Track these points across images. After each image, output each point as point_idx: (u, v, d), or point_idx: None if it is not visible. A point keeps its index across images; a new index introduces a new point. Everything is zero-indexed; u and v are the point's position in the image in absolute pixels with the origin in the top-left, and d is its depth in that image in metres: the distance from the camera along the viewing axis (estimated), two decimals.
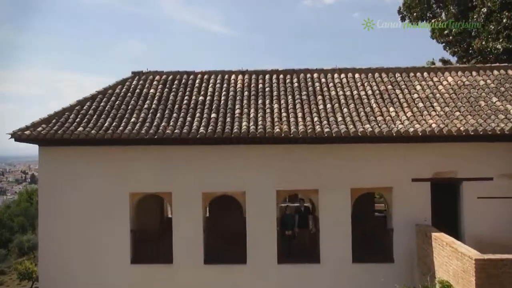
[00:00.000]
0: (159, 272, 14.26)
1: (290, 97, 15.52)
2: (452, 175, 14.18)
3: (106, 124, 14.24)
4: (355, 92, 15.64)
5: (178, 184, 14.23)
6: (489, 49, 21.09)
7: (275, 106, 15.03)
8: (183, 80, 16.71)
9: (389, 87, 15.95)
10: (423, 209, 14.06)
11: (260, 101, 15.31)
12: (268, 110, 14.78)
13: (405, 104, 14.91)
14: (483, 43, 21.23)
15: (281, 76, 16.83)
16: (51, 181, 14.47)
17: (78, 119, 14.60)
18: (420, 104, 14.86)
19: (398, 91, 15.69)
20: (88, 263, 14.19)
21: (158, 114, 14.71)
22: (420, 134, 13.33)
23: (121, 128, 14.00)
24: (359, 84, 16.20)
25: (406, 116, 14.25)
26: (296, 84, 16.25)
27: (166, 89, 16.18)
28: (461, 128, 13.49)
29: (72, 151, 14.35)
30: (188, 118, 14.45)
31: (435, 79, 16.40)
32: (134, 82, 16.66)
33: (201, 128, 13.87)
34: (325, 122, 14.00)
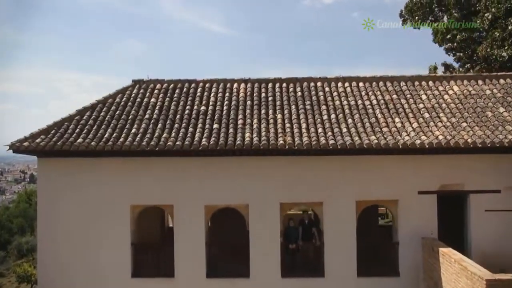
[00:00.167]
0: (160, 286, 14.01)
1: (293, 106, 15.26)
2: (459, 187, 13.93)
3: (106, 135, 13.97)
4: (359, 102, 15.38)
5: (179, 197, 13.97)
6: (494, 57, 20.86)
7: (279, 116, 14.77)
8: (185, 89, 16.43)
9: (394, 96, 15.70)
10: (430, 222, 13.82)
11: (263, 111, 15.05)
12: (271, 121, 14.52)
13: (410, 115, 14.66)
14: (488, 50, 21.00)
15: (284, 84, 16.56)
16: (50, 193, 14.18)
17: (77, 130, 14.32)
18: (426, 115, 14.61)
19: (403, 101, 15.43)
20: (88, 277, 13.91)
21: (160, 125, 14.44)
22: (427, 146, 13.07)
23: (121, 139, 13.73)
24: (363, 93, 15.94)
25: (412, 127, 14.00)
26: (299, 93, 15.99)
27: (167, 98, 15.91)
28: (469, 140, 13.24)
29: (71, 162, 14.07)
30: (190, 129, 14.18)
31: (440, 88, 16.15)
32: (135, 91, 16.39)
33: (203, 139, 13.60)
34: (329, 133, 13.74)
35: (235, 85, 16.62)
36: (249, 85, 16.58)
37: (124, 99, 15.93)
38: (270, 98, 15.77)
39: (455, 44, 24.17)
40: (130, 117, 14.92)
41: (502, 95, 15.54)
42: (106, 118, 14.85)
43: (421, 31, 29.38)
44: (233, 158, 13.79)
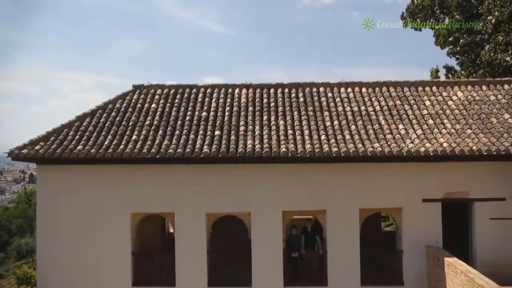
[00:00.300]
0: None
1: (296, 113, 15.07)
2: (464, 195, 13.76)
3: (106, 142, 13.78)
4: (362, 108, 15.20)
5: (181, 205, 13.78)
6: (498, 61, 20.67)
7: (281, 122, 14.58)
8: (186, 94, 16.24)
9: (398, 102, 15.52)
10: (434, 230, 13.66)
11: (265, 117, 14.86)
12: (273, 127, 14.33)
13: (414, 121, 14.48)
14: (492, 54, 20.81)
15: (286, 90, 16.37)
16: (50, 200, 13.96)
17: (77, 137, 14.12)
18: (430, 121, 14.44)
19: (407, 107, 15.25)
20: (88, 287, 13.71)
21: (160, 131, 14.25)
22: (432, 154, 12.90)
23: (122, 146, 13.54)
24: (366, 99, 15.76)
25: (416, 134, 13.82)
26: (302, 99, 15.80)
27: (168, 104, 15.72)
28: (474, 148, 13.06)
29: (71, 169, 13.88)
30: (191, 136, 13.99)
31: (444, 93, 15.97)
32: (135, 96, 16.19)
33: (205, 146, 13.42)
34: (332, 140, 13.56)
35: (237, 90, 16.42)
36: (250, 90, 16.39)
37: (124, 104, 15.73)
38: (272, 104, 15.58)
39: (458, 48, 23.97)
40: (130, 123, 14.73)
41: (506, 100, 15.37)
42: (106, 125, 14.66)
43: (422, 32, 29.23)
44: (234, 165, 13.61)
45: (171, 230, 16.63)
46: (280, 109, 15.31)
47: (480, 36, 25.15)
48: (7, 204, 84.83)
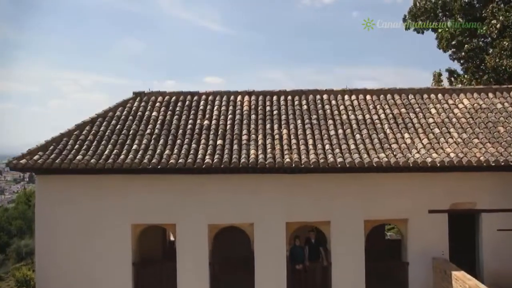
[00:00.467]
0: None
1: (299, 121, 14.81)
2: (471, 206, 13.52)
3: (106, 152, 13.51)
4: (367, 116, 14.95)
5: (182, 216, 13.51)
6: (503, 67, 20.40)
7: (284, 131, 14.32)
8: (187, 102, 15.97)
9: (403, 110, 15.27)
10: (440, 242, 13.43)
11: (268, 126, 14.60)
12: (276, 136, 14.07)
13: (420, 130, 14.23)
14: (497, 60, 20.55)
15: (289, 97, 16.11)
16: (48, 210, 13.66)
17: (77, 146, 13.84)
18: (436, 130, 14.19)
19: (412, 115, 15.00)
20: None
21: (161, 141, 13.99)
22: (439, 165, 12.65)
23: (122, 156, 13.28)
24: (371, 106, 15.51)
25: (422, 144, 13.58)
26: (305, 107, 15.54)
27: (169, 112, 15.45)
28: (481, 158, 12.82)
29: (70, 179, 13.58)
30: (193, 145, 13.73)
31: (450, 101, 15.72)
32: (136, 104, 15.92)
33: (207, 156, 13.16)
34: (337, 150, 13.31)
35: (239, 97, 16.17)
36: (253, 97, 16.12)
37: (124, 112, 15.46)
38: (275, 112, 15.33)
39: (462, 53, 23.70)
40: (131, 132, 14.46)
41: None
42: (106, 133, 14.38)
43: (423, 34, 28.91)
44: (237, 175, 13.32)
45: (172, 238, 16.37)
46: (283, 117, 15.06)
47: (483, 39, 24.91)
48: (6, 204, 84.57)
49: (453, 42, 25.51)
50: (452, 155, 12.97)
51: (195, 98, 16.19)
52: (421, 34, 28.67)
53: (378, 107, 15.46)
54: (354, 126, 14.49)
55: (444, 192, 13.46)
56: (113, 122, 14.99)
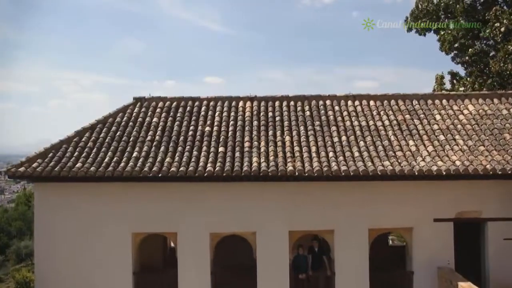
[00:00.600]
0: None
1: (302, 127, 14.59)
2: (477, 214, 13.32)
3: (106, 159, 13.29)
4: (371, 123, 14.73)
5: (184, 224, 13.29)
6: (508, 72, 20.19)
7: (287, 138, 14.11)
8: (188, 108, 15.75)
9: (407, 116, 15.05)
10: (446, 251, 13.24)
11: (270, 132, 14.40)
12: (279, 143, 13.86)
13: (425, 137, 14.02)
14: (501, 64, 20.33)
15: (292, 103, 15.89)
16: (47, 217, 13.44)
17: (76, 153, 13.62)
18: (441, 137, 13.97)
19: (416, 121, 14.78)
20: None
21: (162, 148, 13.77)
22: (445, 173, 12.44)
23: (122, 164, 13.06)
24: (374, 112, 15.29)
25: (427, 151, 13.37)
26: (308, 113, 15.32)
27: (170, 118, 15.23)
28: (488, 167, 12.61)
29: (70, 187, 13.35)
30: (195, 153, 13.51)
31: (455, 107, 15.49)
32: (136, 110, 15.69)
33: (209, 164, 12.94)
34: (341, 158, 13.10)
35: (241, 103, 15.94)
36: (255, 103, 15.91)
37: (125, 118, 15.23)
38: (277, 118, 15.11)
39: (466, 57, 23.49)
40: (131, 139, 14.24)
41: None
42: (106, 140, 14.16)
43: (425, 36, 28.76)
44: (239, 183, 13.11)
45: (172, 245, 16.16)
46: (285, 123, 14.84)
47: (485, 41, 24.70)
48: (6, 204, 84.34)
49: (456, 45, 25.31)
50: (458, 163, 12.76)
51: (196, 103, 15.97)
52: (423, 36, 28.49)
53: (382, 113, 15.25)
54: (358, 132, 14.27)
55: (450, 200, 13.26)
56: (113, 128, 14.77)
